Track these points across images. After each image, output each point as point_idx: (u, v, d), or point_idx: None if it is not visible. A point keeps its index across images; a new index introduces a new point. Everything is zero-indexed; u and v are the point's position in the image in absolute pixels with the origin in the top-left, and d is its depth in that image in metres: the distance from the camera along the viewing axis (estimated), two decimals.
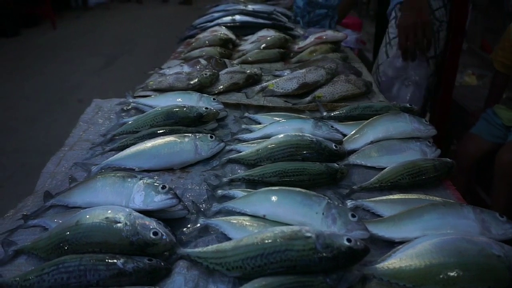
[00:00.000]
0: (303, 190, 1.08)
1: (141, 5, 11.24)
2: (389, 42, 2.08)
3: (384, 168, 1.28)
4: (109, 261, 0.91)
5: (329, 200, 1.05)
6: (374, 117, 1.49)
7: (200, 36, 2.69)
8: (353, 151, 1.40)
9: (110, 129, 1.61)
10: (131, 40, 7.85)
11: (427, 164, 1.25)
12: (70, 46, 7.43)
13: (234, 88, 1.93)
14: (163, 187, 1.10)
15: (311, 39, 2.47)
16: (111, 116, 1.75)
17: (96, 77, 5.92)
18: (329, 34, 2.46)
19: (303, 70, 1.92)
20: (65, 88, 5.52)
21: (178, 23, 7.71)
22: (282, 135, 1.37)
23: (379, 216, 1.11)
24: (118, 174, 1.16)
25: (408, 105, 1.62)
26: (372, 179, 1.24)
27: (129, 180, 1.13)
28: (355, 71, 2.03)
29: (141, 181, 1.12)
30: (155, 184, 1.11)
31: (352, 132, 1.47)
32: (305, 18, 3.12)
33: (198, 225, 1.08)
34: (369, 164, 1.34)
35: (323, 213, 1.02)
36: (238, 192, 1.18)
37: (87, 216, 1.00)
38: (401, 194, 1.16)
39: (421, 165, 1.25)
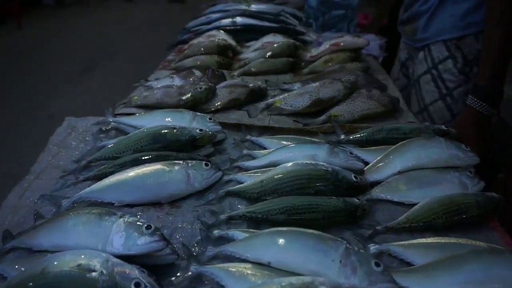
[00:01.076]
0: (317, 232, 1.07)
1: (128, 3, 11.38)
2: (448, 93, 2.06)
3: (415, 204, 1.27)
4: None
5: (347, 245, 1.03)
6: (402, 142, 1.48)
7: (195, 41, 2.72)
8: (376, 183, 1.39)
9: (85, 154, 1.61)
10: (113, 43, 7.93)
11: (468, 200, 1.24)
12: (39, 49, 7.50)
13: (234, 105, 1.94)
14: (148, 227, 1.09)
15: (326, 45, 2.49)
16: (87, 138, 1.75)
17: (71, 87, 5.95)
18: (347, 40, 2.48)
19: (317, 84, 1.93)
20: (32, 101, 5.54)
21: (168, 25, 7.81)
22: (291, 164, 1.37)
23: (409, 264, 1.09)
24: (93, 211, 1.15)
25: (443, 127, 1.61)
26: (400, 218, 1.23)
27: (106, 218, 1.12)
28: (378, 85, 2.04)
29: (122, 219, 1.11)
30: (138, 223, 1.10)
31: (376, 160, 1.46)
32: (318, 20, 3.16)
33: (190, 273, 1.07)
34: (396, 199, 1.33)
35: (340, 261, 1.01)
36: (238, 233, 1.17)
37: (55, 263, 0.99)
38: (436, 238, 1.15)
39: (461, 201, 1.24)
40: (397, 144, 1.49)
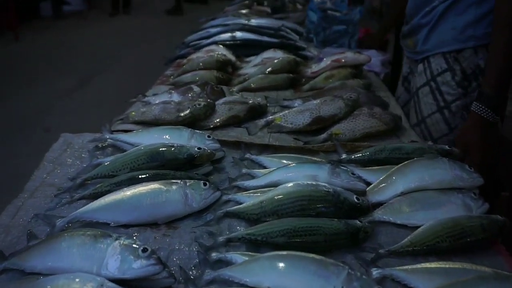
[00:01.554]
0: (318, 257, 1.07)
1: (127, 15, 11.44)
2: (445, 106, 2.06)
3: (418, 226, 1.26)
4: None
5: (349, 270, 1.03)
6: (405, 162, 1.48)
7: (193, 56, 2.73)
8: (379, 205, 1.38)
9: (81, 172, 1.60)
10: (111, 56, 7.94)
11: (472, 222, 1.23)
12: (35, 61, 7.52)
13: (234, 122, 1.94)
14: (144, 250, 1.08)
15: (327, 61, 2.50)
16: (83, 155, 1.74)
17: (67, 101, 5.96)
18: (348, 56, 2.49)
19: (317, 101, 1.94)
20: (27, 114, 5.54)
21: (166, 38, 7.83)
22: (291, 184, 1.37)
23: None
24: (88, 232, 1.14)
25: (447, 147, 1.61)
26: (403, 241, 1.22)
27: (101, 240, 1.11)
28: (380, 103, 2.05)
29: (117, 241, 1.11)
30: (134, 245, 1.10)
31: (378, 181, 1.46)
32: (319, 35, 3.17)
33: None
34: (399, 222, 1.32)
35: (342, 287, 1.00)
36: (236, 256, 1.16)
37: (48, 287, 0.98)
38: (440, 262, 1.14)
39: (465, 224, 1.23)
40: (399, 165, 1.48)
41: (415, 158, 1.51)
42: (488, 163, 1.77)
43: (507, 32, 1.69)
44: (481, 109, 1.71)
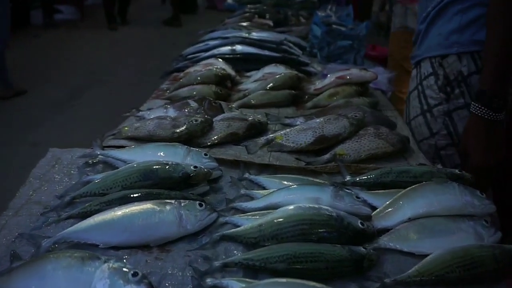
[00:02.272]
0: (319, 286, 1.06)
1: (122, 26, 11.51)
2: (428, 109, 2.12)
3: (426, 255, 1.25)
4: None
5: None
6: (413, 186, 1.48)
7: (191, 70, 2.74)
8: (385, 231, 1.38)
9: (69, 189, 1.59)
10: (104, 68, 7.98)
11: (483, 252, 1.23)
12: (24, 72, 7.51)
13: (232, 139, 1.94)
14: (135, 274, 1.08)
15: (331, 78, 2.51)
16: (72, 172, 1.74)
17: (57, 115, 5.96)
18: (354, 72, 2.50)
19: (321, 119, 1.94)
20: (14, 127, 5.55)
21: (163, 50, 7.87)
22: (292, 207, 1.36)
23: None
24: (75, 254, 1.14)
25: (457, 171, 1.61)
26: (411, 271, 1.22)
27: (89, 262, 1.11)
28: (387, 122, 2.05)
29: (106, 264, 1.10)
30: (124, 269, 1.09)
31: (384, 205, 1.45)
32: (323, 50, 3.20)
33: None
34: (406, 249, 1.31)
35: None
36: (233, 283, 1.15)
37: None
38: None
39: (476, 253, 1.22)
40: (407, 189, 1.48)
41: (424, 182, 1.50)
42: (491, 165, 1.78)
43: (501, 22, 1.71)
44: (479, 109, 1.74)
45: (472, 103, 1.78)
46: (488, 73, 1.77)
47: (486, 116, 1.73)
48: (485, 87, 1.75)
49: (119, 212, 1.36)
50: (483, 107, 1.73)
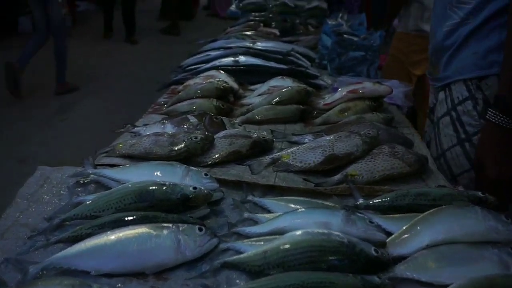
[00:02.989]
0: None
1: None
2: (466, 138, 2.06)
3: (446, 285, 1.24)
4: None
5: None
6: (432, 210, 1.47)
7: (191, 82, 2.76)
8: (401, 259, 1.37)
9: (58, 211, 1.60)
10: (96, 80, 8.01)
11: (509, 282, 1.22)
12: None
13: (235, 158, 1.95)
14: None
15: (342, 92, 2.53)
16: (62, 192, 1.75)
17: (46, 129, 5.98)
18: (367, 86, 2.52)
19: (331, 137, 1.95)
20: (1, 142, 5.56)
21: (161, 61, 7.90)
22: (300, 232, 1.36)
23: None
24: (65, 282, 1.15)
25: (480, 193, 1.61)
26: None
27: None
28: (403, 140, 2.06)
29: None
30: None
31: (400, 231, 1.45)
32: (334, 62, 3.21)
33: None
34: (424, 279, 1.30)
35: None
36: None
37: None
38: None
39: (501, 284, 1.21)
40: (425, 213, 1.47)
41: (443, 206, 1.50)
42: (509, 178, 1.77)
43: None
44: (497, 116, 1.74)
45: (489, 109, 1.77)
46: (506, 75, 1.77)
47: (503, 124, 1.73)
48: (503, 92, 1.75)
49: (112, 236, 1.36)
50: (500, 114, 1.73)
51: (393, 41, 3.79)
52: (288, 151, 1.93)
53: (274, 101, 2.51)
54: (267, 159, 1.92)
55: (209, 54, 3.27)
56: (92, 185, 1.77)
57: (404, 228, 1.45)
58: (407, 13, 3.42)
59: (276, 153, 1.96)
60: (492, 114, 1.76)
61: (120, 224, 1.43)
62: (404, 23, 3.49)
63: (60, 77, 7.13)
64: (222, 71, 2.86)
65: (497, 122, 1.74)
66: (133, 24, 10.74)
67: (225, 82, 2.68)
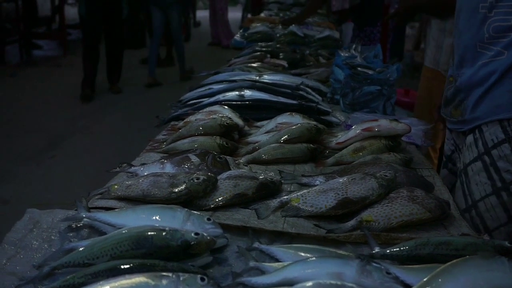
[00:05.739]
0: None
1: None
2: (504, 187, 2.02)
3: None
4: None
5: None
6: (454, 261, 1.47)
7: (192, 118, 2.76)
8: None
9: (49, 258, 1.59)
10: (89, 113, 8.05)
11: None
12: None
13: (240, 201, 1.95)
14: None
15: (356, 130, 2.53)
16: (52, 237, 1.75)
17: (32, 166, 5.99)
18: (383, 124, 2.51)
19: (344, 179, 1.96)
20: None
21: (160, 92, 7.95)
22: (310, 283, 1.36)
23: None
24: None
25: (507, 243, 1.61)
26: None
27: None
28: (423, 184, 2.06)
29: None
30: None
31: (420, 283, 1.44)
32: (347, 97, 3.21)
33: None
34: None
35: None
36: None
37: None
38: None
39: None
40: (447, 264, 1.47)
41: (467, 256, 1.50)
42: None
43: None
44: None
45: None
46: None
47: None
48: None
49: (107, 286, 1.36)
50: None
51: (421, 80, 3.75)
52: (298, 194, 1.94)
53: (282, 140, 2.51)
54: (274, 202, 1.92)
55: (212, 88, 3.27)
56: (86, 230, 1.78)
57: (424, 280, 1.44)
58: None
59: (284, 196, 1.96)
60: None
61: (115, 272, 1.43)
62: (425, 54, 3.46)
63: None
64: (226, 106, 2.86)
65: None
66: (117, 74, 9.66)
67: (229, 118, 2.68)
